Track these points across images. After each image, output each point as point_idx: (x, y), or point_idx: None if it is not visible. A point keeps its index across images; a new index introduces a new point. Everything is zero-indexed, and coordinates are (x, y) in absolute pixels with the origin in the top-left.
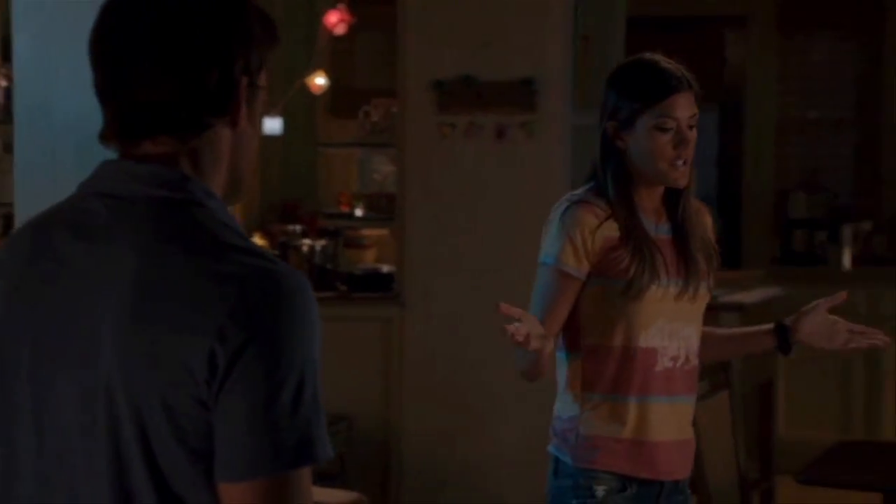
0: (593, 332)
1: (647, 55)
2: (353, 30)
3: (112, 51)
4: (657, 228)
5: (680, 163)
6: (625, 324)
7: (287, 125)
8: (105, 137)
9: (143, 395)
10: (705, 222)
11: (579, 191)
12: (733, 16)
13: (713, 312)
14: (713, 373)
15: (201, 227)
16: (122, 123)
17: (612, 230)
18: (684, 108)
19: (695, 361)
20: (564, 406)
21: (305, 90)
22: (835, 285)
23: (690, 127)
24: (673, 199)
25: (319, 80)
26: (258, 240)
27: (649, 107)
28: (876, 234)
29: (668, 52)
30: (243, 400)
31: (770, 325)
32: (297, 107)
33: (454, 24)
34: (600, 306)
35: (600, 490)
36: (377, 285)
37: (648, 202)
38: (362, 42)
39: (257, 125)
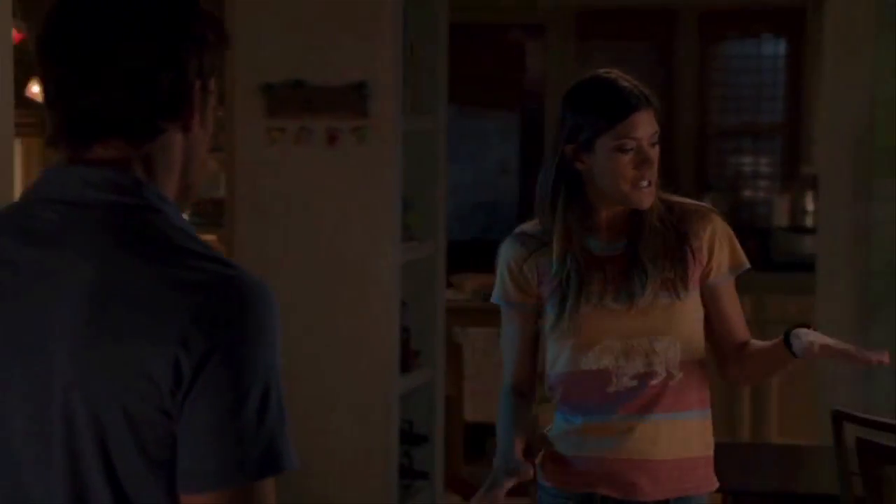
0: (548, 360)
1: (604, 72)
2: None
3: (62, 54)
4: (609, 246)
5: (644, 184)
6: (566, 349)
7: None
8: (53, 141)
9: (104, 406)
10: (696, 227)
11: (526, 224)
12: (533, 24)
13: None
14: None
15: (159, 233)
16: (73, 127)
17: (547, 257)
18: (645, 126)
19: (681, 376)
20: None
21: None
22: None
23: (653, 145)
24: (637, 216)
25: None
26: None
27: (609, 127)
28: None
29: (473, 59)
30: (209, 409)
31: (779, 340)
32: None
33: (284, 27)
34: (548, 336)
35: None
36: None
37: (608, 221)
38: None
39: (208, 130)
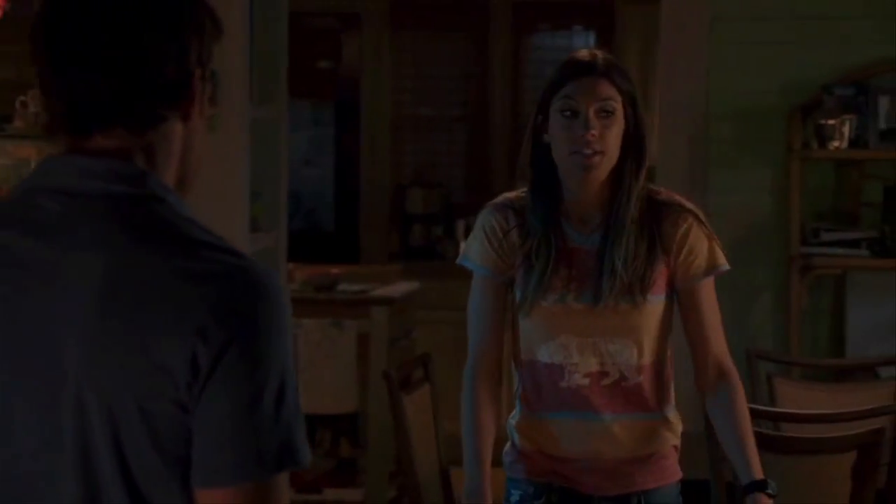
0: (514, 343)
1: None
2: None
3: (63, 42)
4: (583, 239)
5: (588, 151)
6: (525, 338)
7: None
8: (52, 130)
9: (117, 399)
10: (668, 228)
11: (513, 192)
12: (348, 13)
13: (365, 307)
14: (415, 366)
15: (167, 223)
16: (75, 116)
17: (522, 237)
18: (590, 91)
19: (636, 380)
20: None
21: None
22: (452, 279)
23: (607, 114)
24: (614, 210)
25: None
26: None
27: (557, 88)
28: None
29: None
30: (226, 402)
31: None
32: None
33: None
34: (514, 318)
35: (515, 494)
36: None
37: (576, 207)
38: (15, 31)
39: (205, 119)
